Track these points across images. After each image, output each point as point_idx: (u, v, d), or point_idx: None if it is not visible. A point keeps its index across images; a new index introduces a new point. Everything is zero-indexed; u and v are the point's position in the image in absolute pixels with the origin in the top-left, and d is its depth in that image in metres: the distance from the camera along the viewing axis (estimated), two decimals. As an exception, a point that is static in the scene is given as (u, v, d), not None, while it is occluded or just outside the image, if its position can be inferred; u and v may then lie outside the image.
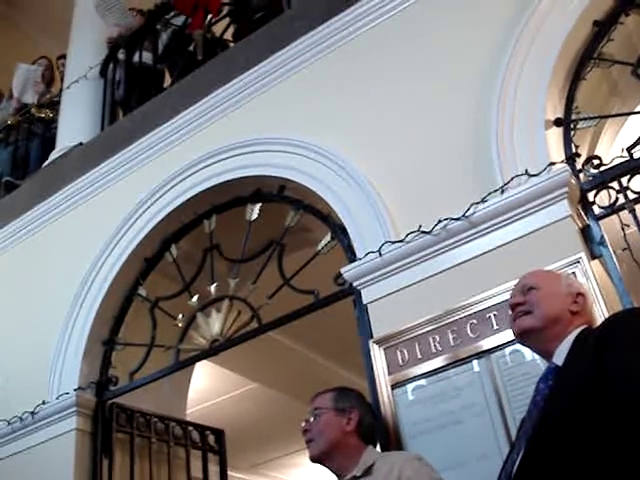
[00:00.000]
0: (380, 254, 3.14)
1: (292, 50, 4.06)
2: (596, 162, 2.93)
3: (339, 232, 3.53)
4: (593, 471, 1.54)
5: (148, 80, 5.20)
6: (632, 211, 2.76)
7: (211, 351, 3.89)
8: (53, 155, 5.32)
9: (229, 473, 4.54)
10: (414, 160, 3.34)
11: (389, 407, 2.89)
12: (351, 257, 3.36)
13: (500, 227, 2.91)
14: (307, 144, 3.69)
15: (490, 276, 2.83)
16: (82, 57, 5.74)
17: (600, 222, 2.82)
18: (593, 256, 2.74)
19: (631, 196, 2.79)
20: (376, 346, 3.02)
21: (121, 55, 5.57)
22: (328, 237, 3.63)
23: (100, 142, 4.99)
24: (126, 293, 4.33)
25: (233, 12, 5.16)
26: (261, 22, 4.60)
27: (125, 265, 4.26)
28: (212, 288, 4.00)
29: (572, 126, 3.09)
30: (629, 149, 2.89)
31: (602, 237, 2.77)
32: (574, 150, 3.02)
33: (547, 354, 1.91)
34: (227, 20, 5.26)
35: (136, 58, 5.41)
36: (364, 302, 3.17)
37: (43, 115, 6.11)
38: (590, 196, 2.89)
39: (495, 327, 2.76)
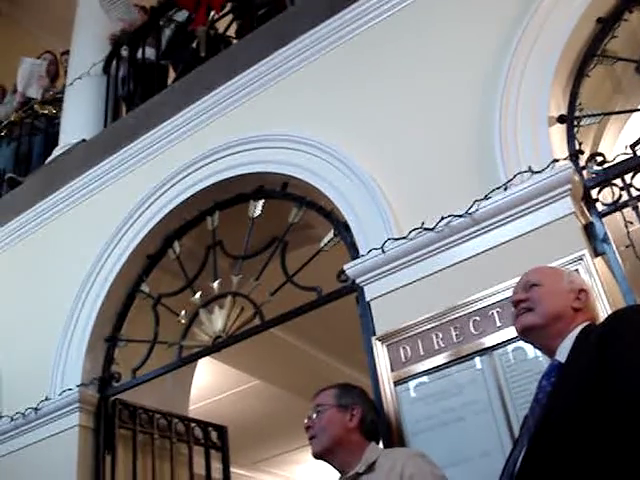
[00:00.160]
0: (383, 251, 3.14)
1: (295, 47, 4.06)
2: (599, 159, 2.93)
3: (342, 229, 3.52)
4: (595, 469, 1.53)
5: (151, 77, 5.20)
6: (635, 208, 2.75)
7: (214, 348, 3.90)
8: (56, 152, 5.32)
9: (231, 470, 4.54)
10: (417, 157, 3.33)
11: (392, 404, 2.89)
12: (354, 254, 3.35)
13: (503, 224, 2.91)
14: (310, 141, 3.69)
15: (493, 273, 2.83)
16: (85, 54, 5.74)
17: (603, 219, 2.82)
18: (596, 253, 2.74)
19: (634, 193, 2.79)
20: (379, 343, 3.02)
21: (124, 52, 5.56)
22: (331, 234, 3.63)
23: (103, 139, 4.99)
24: (129, 290, 4.34)
25: (236, 9, 5.15)
26: (264, 19, 4.60)
27: (128, 262, 4.27)
28: (215, 285, 4.00)
29: (575, 123, 3.08)
30: (632, 146, 2.88)
31: (605, 234, 2.76)
32: (577, 147, 3.01)
33: (550, 351, 1.91)
34: (230, 17, 5.25)
35: (139, 55, 5.41)
36: (367, 299, 3.17)
37: (46, 112, 6.11)
38: (593, 193, 2.89)
39: (498, 324, 2.76)
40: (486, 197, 2.97)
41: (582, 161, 2.97)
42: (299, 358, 6.41)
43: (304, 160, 3.69)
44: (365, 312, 3.17)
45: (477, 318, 2.82)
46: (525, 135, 3.01)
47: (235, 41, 5.05)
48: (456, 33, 3.48)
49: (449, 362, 2.83)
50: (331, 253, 3.61)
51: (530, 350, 2.61)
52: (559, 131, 3.05)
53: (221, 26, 5.27)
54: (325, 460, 2.57)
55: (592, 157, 2.96)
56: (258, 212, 3.96)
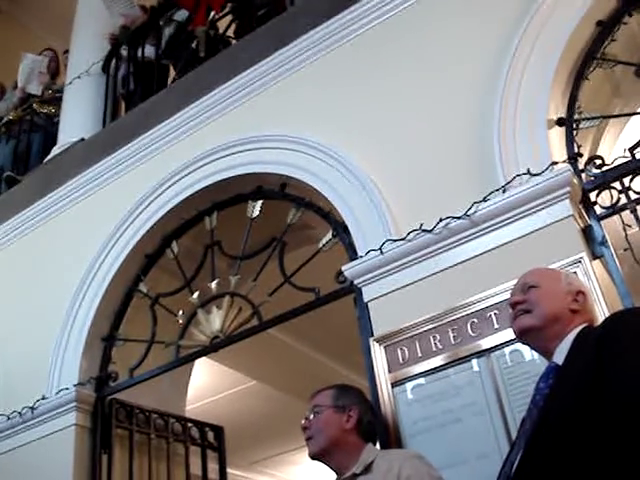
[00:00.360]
0: (381, 252, 3.14)
1: (295, 48, 4.06)
2: (598, 162, 2.93)
3: (340, 230, 3.52)
4: (592, 471, 1.53)
5: (152, 76, 5.20)
6: (634, 211, 2.76)
7: (211, 348, 3.89)
8: (54, 150, 5.32)
9: (228, 470, 4.55)
10: (416, 158, 3.34)
11: (389, 405, 2.89)
12: (352, 255, 3.36)
13: (502, 226, 2.91)
14: (309, 142, 3.69)
15: (491, 275, 2.83)
16: (84, 52, 5.74)
17: (602, 222, 2.82)
18: (594, 256, 2.74)
19: (633, 196, 2.79)
20: (377, 344, 3.02)
21: (123, 51, 5.56)
22: (329, 235, 3.63)
23: (102, 138, 4.99)
24: (127, 289, 4.34)
25: (236, 9, 5.15)
26: (264, 19, 4.60)
27: (126, 261, 4.26)
28: (213, 285, 4.00)
29: (574, 126, 3.08)
30: (631, 149, 2.89)
31: (604, 237, 2.77)
32: (576, 150, 3.01)
33: (547, 353, 1.91)
34: (230, 17, 5.25)
35: (139, 54, 5.41)
36: (365, 300, 3.17)
37: (45, 110, 6.11)
38: (592, 196, 2.89)
39: (496, 326, 2.76)
40: (484, 199, 2.97)
41: (581, 164, 2.97)
42: (296, 359, 6.41)
43: (303, 161, 3.69)
44: (363, 313, 3.17)
45: (475, 320, 2.82)
46: (524, 137, 3.01)
47: (235, 41, 5.04)
48: (456, 35, 3.48)
49: (447, 364, 2.83)
50: (329, 254, 3.61)
51: (528, 352, 2.61)
52: (558, 134, 3.05)
53: (221, 26, 5.26)
54: (322, 461, 2.57)
55: (591, 160, 2.96)
56: (257, 212, 3.96)
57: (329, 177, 3.54)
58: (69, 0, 6.40)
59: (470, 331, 2.82)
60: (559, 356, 1.83)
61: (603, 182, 2.88)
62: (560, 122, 3.06)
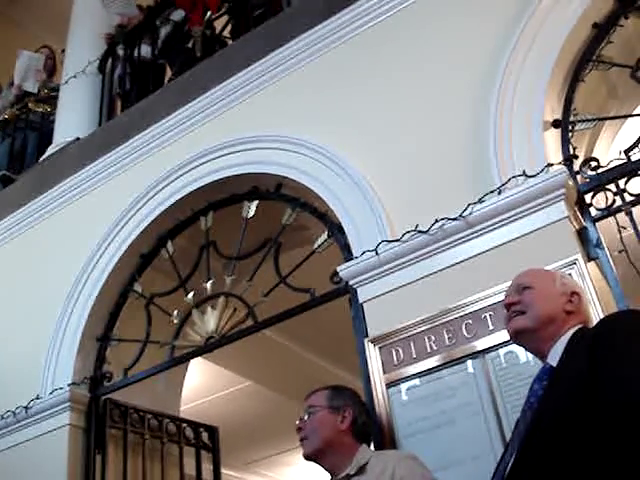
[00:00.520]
0: (377, 253, 3.14)
1: (290, 48, 4.06)
2: (593, 164, 2.93)
3: (336, 230, 3.52)
4: (585, 473, 1.53)
5: (147, 76, 5.20)
6: (629, 213, 2.76)
7: (206, 348, 3.89)
8: (50, 150, 5.31)
9: (222, 471, 4.54)
10: (412, 159, 3.34)
11: (384, 406, 2.89)
12: (347, 256, 3.35)
13: (497, 228, 2.91)
14: (305, 142, 3.69)
15: (486, 276, 2.83)
16: (81, 51, 5.72)
17: (597, 224, 2.83)
18: (589, 258, 2.74)
19: (628, 198, 2.80)
20: (371, 345, 3.02)
21: (120, 51, 5.55)
22: (325, 235, 3.62)
23: (97, 138, 4.99)
24: (121, 289, 4.33)
25: (232, 9, 5.15)
26: (260, 20, 4.60)
27: (121, 261, 4.26)
28: (208, 285, 4.00)
29: (570, 128, 3.09)
30: (627, 151, 2.89)
31: (598, 239, 2.77)
32: (572, 152, 3.02)
33: (541, 354, 1.91)
34: (226, 17, 5.25)
35: (135, 54, 5.40)
36: (360, 301, 3.17)
37: (40, 110, 6.10)
38: (587, 198, 2.90)
39: (490, 327, 2.76)
40: (480, 200, 2.97)
41: (576, 166, 2.98)
42: (291, 360, 6.40)
43: (299, 161, 3.68)
44: (358, 314, 3.17)
45: (470, 321, 2.83)
46: (520, 139, 3.01)
47: (231, 42, 5.04)
48: (452, 36, 3.48)
49: (441, 365, 2.83)
50: (325, 255, 3.61)
51: (522, 353, 2.61)
52: (554, 135, 3.06)
53: (217, 26, 5.26)
54: (316, 462, 2.57)
55: (586, 162, 2.97)
56: (252, 213, 3.96)
57: (325, 178, 3.54)
58: (67, -1, 6.39)
59: (465, 332, 2.82)
60: (553, 357, 1.83)
61: (598, 184, 2.89)
62: (556, 124, 3.06)
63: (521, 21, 3.25)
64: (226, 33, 5.26)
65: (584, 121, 3.13)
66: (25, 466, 3.96)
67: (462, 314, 2.85)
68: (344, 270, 3.24)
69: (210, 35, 5.15)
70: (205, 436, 4.48)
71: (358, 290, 3.20)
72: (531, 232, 2.83)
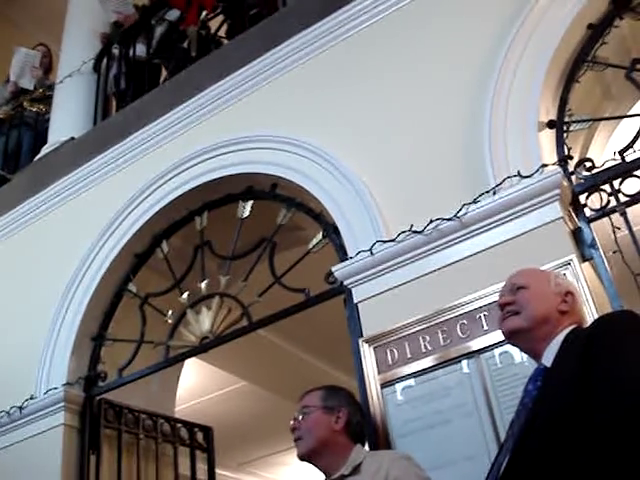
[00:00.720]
0: (371, 253, 3.14)
1: (286, 48, 4.06)
2: (588, 165, 2.94)
3: (331, 231, 3.52)
4: (579, 474, 1.53)
5: (143, 75, 5.19)
6: (623, 214, 2.77)
7: (200, 348, 3.89)
8: (45, 149, 5.30)
9: (217, 471, 4.53)
10: (407, 159, 3.34)
11: (378, 406, 2.89)
12: (342, 256, 3.35)
13: (491, 228, 2.92)
14: (300, 142, 3.69)
15: (481, 277, 2.84)
16: (76, 50, 5.71)
17: (591, 224, 2.83)
18: (584, 258, 2.75)
19: (622, 199, 2.80)
20: (366, 345, 3.02)
21: (115, 50, 5.55)
22: (320, 235, 3.62)
23: (92, 137, 4.98)
24: (116, 289, 4.32)
25: (227, 9, 5.15)
26: (255, 19, 4.60)
27: (115, 261, 4.25)
28: (202, 285, 3.99)
29: (565, 128, 3.09)
30: (621, 152, 2.90)
31: (593, 239, 2.78)
32: (566, 152, 3.02)
33: (536, 354, 1.91)
34: (221, 17, 5.25)
35: (131, 53, 5.39)
36: (355, 301, 3.17)
37: (35, 109, 6.08)
38: (582, 198, 2.90)
39: (485, 328, 2.77)
40: (475, 201, 2.97)
41: (571, 166, 2.98)
42: (286, 360, 6.40)
43: (294, 161, 3.68)
44: (353, 314, 3.17)
45: (464, 321, 2.83)
46: (514, 139, 3.02)
47: (226, 41, 5.04)
48: (447, 36, 3.48)
49: (436, 365, 2.83)
50: (320, 255, 3.61)
51: (517, 354, 2.61)
52: (548, 136, 3.06)
53: (212, 26, 5.26)
54: (310, 462, 2.57)
55: (581, 162, 2.97)
56: (247, 213, 3.96)
57: (320, 178, 3.54)
58: (63, -2, 6.37)
59: (460, 332, 2.82)
60: (548, 358, 1.83)
61: (593, 184, 2.89)
62: (551, 124, 3.07)
63: (516, 22, 3.25)
64: (221, 33, 5.26)
65: (579, 122, 3.13)
66: (19, 466, 3.94)
67: (457, 314, 2.85)
68: (339, 270, 3.24)
69: (205, 35, 5.15)
70: (200, 436, 4.48)
71: (353, 290, 3.20)
72: (526, 232, 2.83)
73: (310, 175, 3.59)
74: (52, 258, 4.56)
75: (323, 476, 2.54)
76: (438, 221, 3.01)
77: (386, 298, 3.08)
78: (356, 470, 2.42)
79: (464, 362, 2.78)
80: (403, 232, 3.10)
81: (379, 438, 2.83)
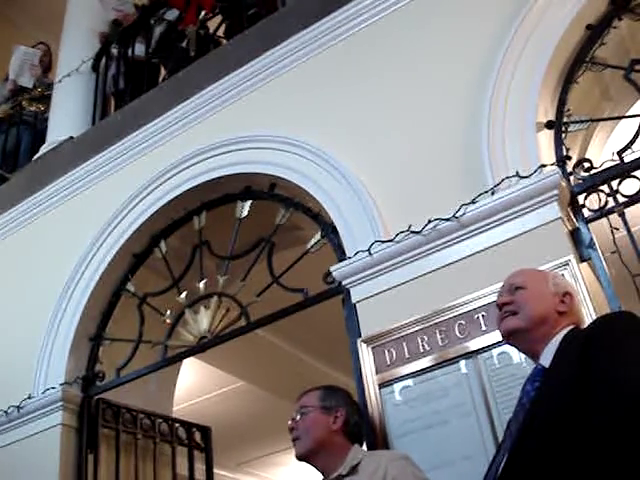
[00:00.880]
0: (370, 253, 3.14)
1: (284, 48, 4.06)
2: (587, 165, 2.94)
3: (329, 231, 3.52)
4: (577, 475, 1.53)
5: (141, 75, 5.19)
6: (622, 214, 2.77)
7: (199, 348, 3.88)
8: (43, 149, 5.29)
9: (215, 471, 4.53)
10: (405, 160, 3.34)
11: (376, 406, 2.89)
12: (341, 256, 3.35)
13: (490, 228, 2.91)
14: (298, 142, 3.69)
15: (479, 277, 2.84)
16: (75, 50, 5.71)
17: (590, 225, 2.83)
18: (582, 259, 2.75)
19: (621, 199, 2.80)
20: (364, 345, 3.02)
21: (114, 50, 5.54)
22: (318, 235, 3.62)
23: (91, 137, 4.97)
24: (114, 288, 4.32)
25: (226, 9, 5.15)
26: (254, 20, 4.60)
27: (114, 260, 4.25)
28: (201, 285, 3.99)
29: (563, 129, 3.09)
30: (619, 153, 2.90)
31: (591, 240, 2.78)
32: (565, 153, 3.02)
33: (534, 355, 1.91)
34: (220, 17, 5.25)
35: (129, 53, 5.39)
36: (353, 301, 3.17)
37: (34, 108, 6.08)
38: (580, 199, 2.90)
39: (483, 328, 2.77)
40: (473, 201, 2.97)
41: (569, 167, 2.98)
42: (284, 360, 6.40)
43: (292, 161, 3.68)
44: (351, 314, 3.17)
45: (463, 322, 2.83)
46: (513, 140, 3.02)
47: (225, 41, 5.04)
48: (446, 37, 3.48)
49: (434, 365, 2.83)
50: (318, 255, 3.60)
51: (515, 354, 2.61)
52: (547, 136, 3.06)
53: (211, 26, 5.26)
54: (308, 462, 2.57)
55: (579, 163, 2.97)
56: (245, 213, 3.95)
57: (318, 178, 3.54)
58: (60, -4, 6.37)
59: (458, 333, 2.82)
60: (546, 358, 1.83)
61: (591, 185, 2.89)
62: (549, 125, 3.07)
63: (514, 22, 3.25)
64: (220, 33, 5.26)
65: (577, 122, 3.13)
66: (17, 466, 3.94)
67: (455, 314, 2.85)
68: (337, 270, 3.24)
69: (204, 35, 5.15)
70: (198, 436, 4.48)
71: (351, 290, 3.20)
72: (524, 233, 2.83)
73: (309, 175, 3.59)
74: (50, 258, 4.56)
75: (321, 476, 2.54)
76: (436, 221, 3.01)
77: (384, 298, 3.08)
78: (354, 470, 2.42)
79: (462, 362, 2.78)
80: (401, 232, 3.10)
81: (377, 438, 2.83)
